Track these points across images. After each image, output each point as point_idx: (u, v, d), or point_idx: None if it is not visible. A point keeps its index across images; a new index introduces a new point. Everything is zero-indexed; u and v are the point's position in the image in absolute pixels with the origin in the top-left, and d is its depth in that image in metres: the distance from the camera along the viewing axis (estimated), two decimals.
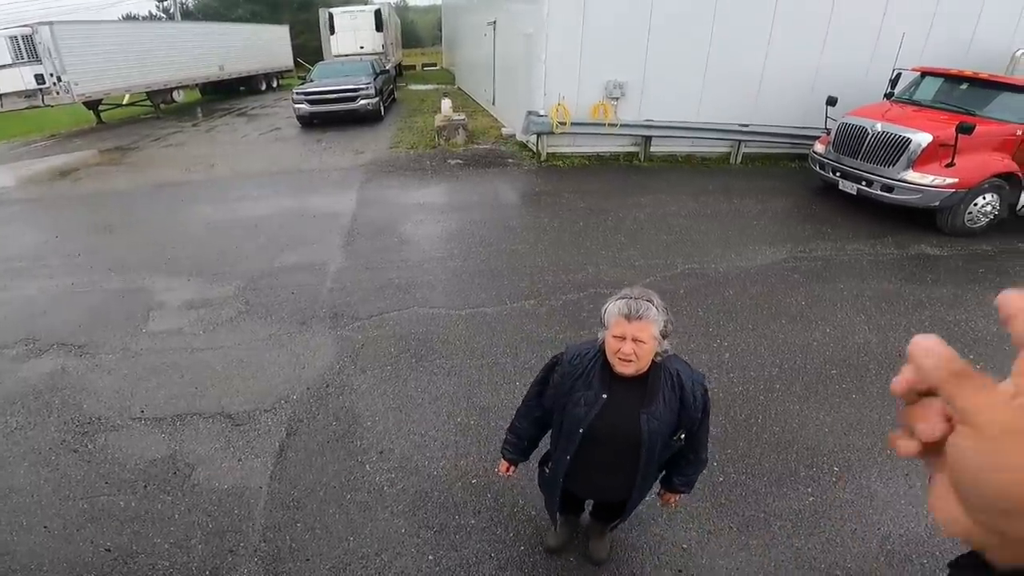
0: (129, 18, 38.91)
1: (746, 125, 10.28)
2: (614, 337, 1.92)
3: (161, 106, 19.02)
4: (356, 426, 3.96)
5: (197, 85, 21.39)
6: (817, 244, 6.89)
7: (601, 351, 2.05)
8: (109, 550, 3.08)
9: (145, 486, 3.49)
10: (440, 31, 37.29)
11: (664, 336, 1.92)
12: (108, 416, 4.11)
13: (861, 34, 9.85)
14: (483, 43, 15.78)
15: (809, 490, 3.37)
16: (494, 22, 14.37)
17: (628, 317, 1.86)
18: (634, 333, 1.87)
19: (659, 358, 1.99)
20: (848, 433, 3.80)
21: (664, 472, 2.37)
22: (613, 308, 1.92)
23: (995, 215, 6.95)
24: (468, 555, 3.00)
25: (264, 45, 25.39)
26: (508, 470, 2.56)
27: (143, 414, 4.12)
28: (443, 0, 33.10)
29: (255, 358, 4.80)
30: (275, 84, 26.51)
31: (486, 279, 6.09)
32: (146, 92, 18.31)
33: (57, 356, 4.90)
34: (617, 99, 10.01)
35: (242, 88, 24.26)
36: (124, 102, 18.28)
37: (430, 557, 2.99)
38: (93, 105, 16.78)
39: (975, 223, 6.94)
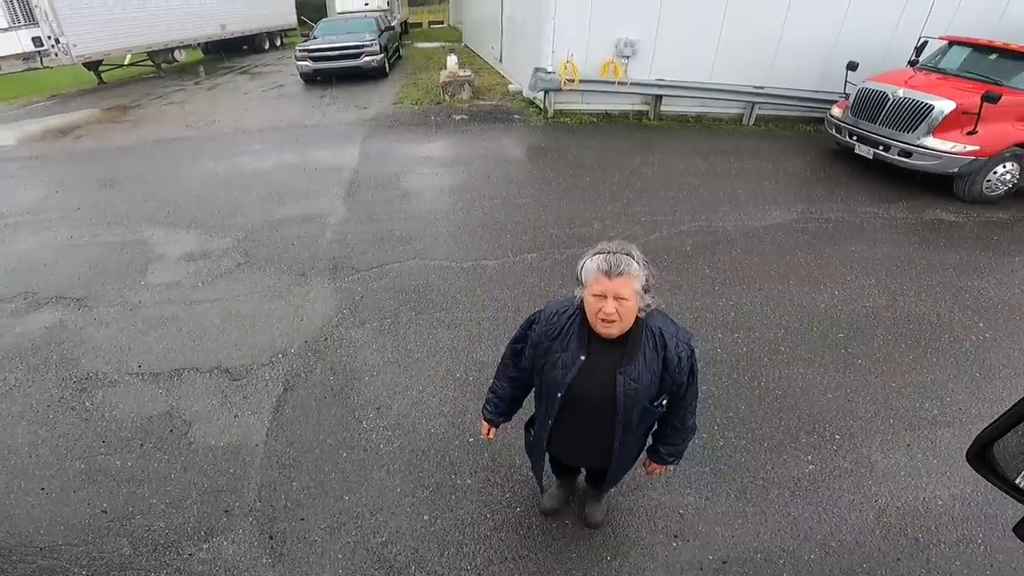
0: None
1: (761, 87, 9.97)
2: (594, 296, 1.76)
3: (163, 66, 18.65)
4: (354, 381, 3.93)
5: (199, 44, 20.90)
6: (829, 206, 6.73)
7: (579, 310, 1.90)
8: (105, 511, 3.05)
9: (142, 444, 3.46)
10: None
11: (646, 290, 1.77)
12: (106, 371, 4.09)
13: None
14: None
15: (809, 458, 3.31)
16: None
17: (608, 274, 1.71)
18: (615, 290, 1.72)
19: (642, 313, 1.85)
20: (852, 399, 3.73)
21: (650, 442, 2.27)
22: (591, 265, 1.76)
23: (1014, 183, 6.87)
24: (463, 515, 2.97)
25: (267, 3, 24.61)
26: (489, 433, 2.42)
27: (140, 369, 4.10)
28: None
29: (253, 311, 4.76)
30: (279, 43, 25.85)
31: (488, 232, 5.99)
32: (147, 52, 17.92)
33: (56, 309, 4.88)
34: (628, 57, 9.70)
35: (245, 47, 23.67)
36: (125, 63, 17.93)
37: (425, 517, 2.97)
38: (93, 66, 16.45)
39: (993, 191, 6.87)
